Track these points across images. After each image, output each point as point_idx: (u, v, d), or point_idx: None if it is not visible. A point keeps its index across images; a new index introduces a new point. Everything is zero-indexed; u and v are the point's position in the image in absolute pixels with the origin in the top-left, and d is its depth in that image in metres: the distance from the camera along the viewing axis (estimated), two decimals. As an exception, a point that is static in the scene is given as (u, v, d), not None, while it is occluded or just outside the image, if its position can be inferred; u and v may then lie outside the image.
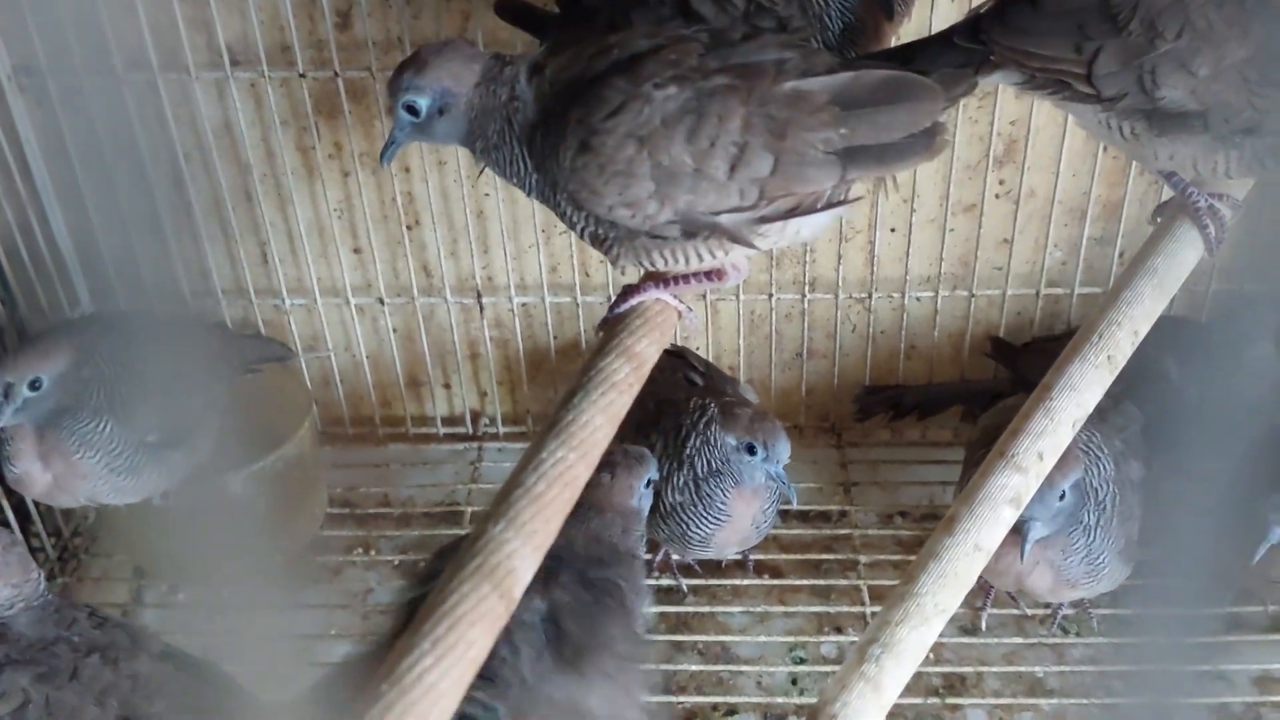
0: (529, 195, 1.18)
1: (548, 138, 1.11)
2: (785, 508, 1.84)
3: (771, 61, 1.09)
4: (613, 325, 1.21)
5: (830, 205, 1.13)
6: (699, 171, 1.08)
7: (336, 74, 1.80)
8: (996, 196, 1.90)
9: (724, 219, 1.11)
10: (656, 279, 1.22)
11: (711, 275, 1.22)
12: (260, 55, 1.78)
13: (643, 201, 1.10)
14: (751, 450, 1.59)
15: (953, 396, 2.00)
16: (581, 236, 1.18)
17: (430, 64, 1.12)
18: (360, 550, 1.94)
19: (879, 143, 1.10)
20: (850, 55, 1.27)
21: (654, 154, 1.07)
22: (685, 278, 1.22)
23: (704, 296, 2.00)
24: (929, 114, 1.10)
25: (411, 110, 1.13)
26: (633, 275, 1.28)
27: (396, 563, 1.90)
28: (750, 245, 1.14)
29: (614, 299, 1.24)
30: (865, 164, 1.10)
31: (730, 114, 1.07)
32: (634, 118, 1.07)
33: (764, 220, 1.11)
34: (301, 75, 1.80)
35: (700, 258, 1.15)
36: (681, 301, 1.23)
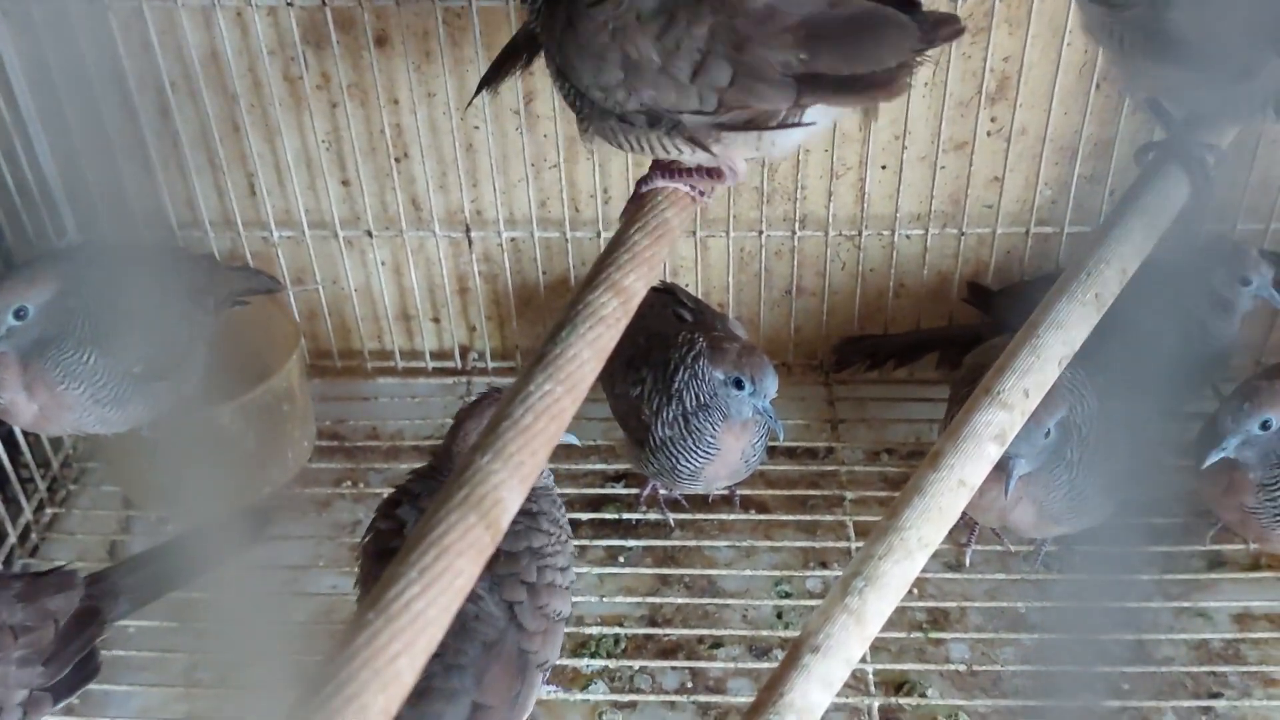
0: (533, 25, 1.23)
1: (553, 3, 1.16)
2: (773, 444, 1.86)
3: None
4: (642, 201, 1.26)
5: (784, 125, 1.15)
6: (663, 70, 1.12)
7: (324, 3, 1.77)
8: (988, 134, 1.89)
9: (686, 119, 1.15)
10: (662, 168, 1.27)
11: (711, 173, 1.26)
12: (246, -18, 1.76)
13: (612, 88, 1.15)
14: (739, 385, 1.60)
15: (931, 343, 2.01)
16: (564, 98, 1.24)
17: None
18: (348, 483, 1.95)
19: (838, 74, 1.10)
20: None
21: (624, 46, 1.12)
22: (686, 170, 1.26)
23: (693, 232, 1.99)
24: (896, 53, 1.10)
25: None
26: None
27: (384, 496, 1.90)
28: (707, 150, 1.17)
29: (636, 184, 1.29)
30: (821, 92, 1.11)
31: (698, 20, 1.10)
32: (613, 8, 1.12)
33: (722, 127, 1.15)
34: (289, 4, 1.78)
35: (665, 150, 1.19)
36: (693, 188, 1.27)
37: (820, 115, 1.16)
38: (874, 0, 1.12)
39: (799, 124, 1.16)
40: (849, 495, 1.89)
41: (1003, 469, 1.49)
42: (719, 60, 1.10)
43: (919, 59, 1.12)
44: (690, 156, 1.21)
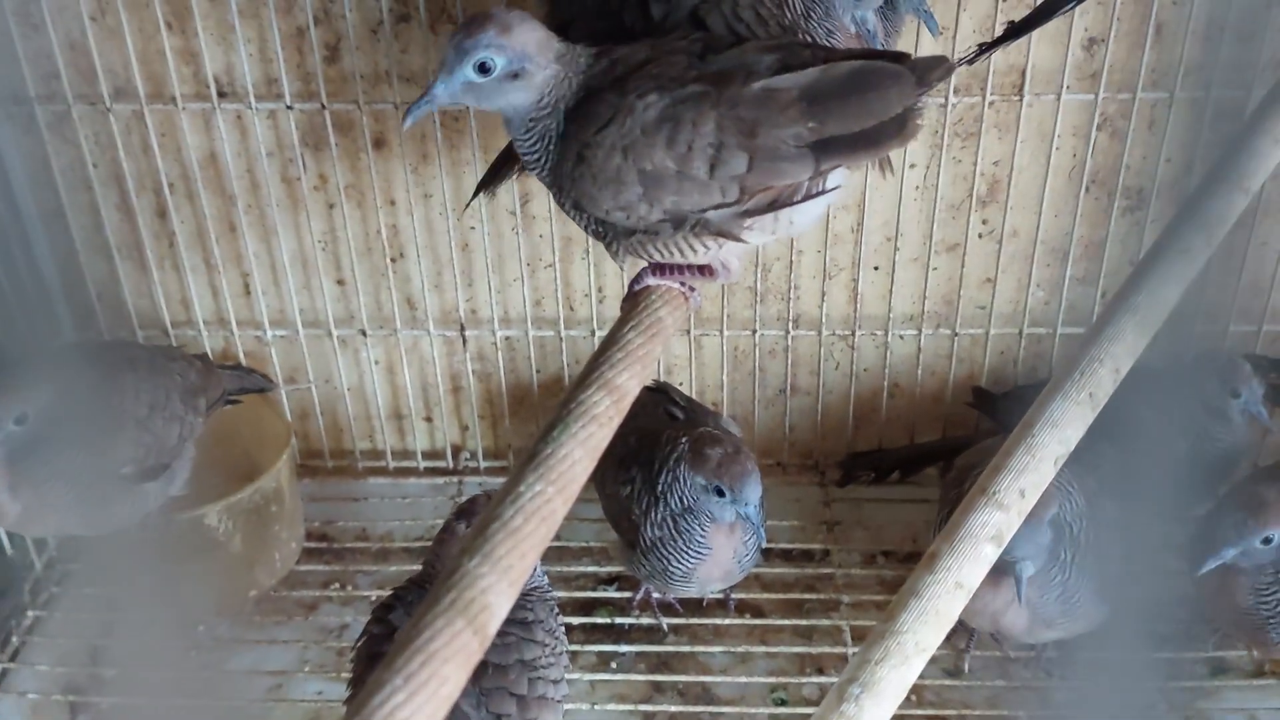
0: (537, 175, 1.23)
1: (560, 145, 1.17)
2: (769, 545, 1.83)
3: (744, 65, 1.14)
4: (636, 300, 1.27)
5: (809, 197, 1.17)
6: (681, 174, 1.14)
7: (323, 106, 1.80)
8: (980, 236, 1.91)
9: (710, 215, 1.17)
10: (654, 266, 1.28)
11: (703, 270, 1.28)
12: (247, 87, 1.78)
13: (634, 204, 1.16)
14: (720, 493, 1.57)
15: (935, 454, 2.00)
16: (584, 230, 1.26)
17: (514, 27, 1.13)
18: (336, 585, 1.92)
19: (849, 132, 1.13)
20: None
21: (638, 161, 1.14)
22: (680, 268, 1.28)
23: (687, 331, 2.00)
24: (898, 100, 1.13)
25: (483, 69, 1.13)
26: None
27: (373, 598, 1.87)
28: (738, 239, 1.19)
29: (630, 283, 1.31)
30: (838, 154, 1.14)
31: (703, 118, 1.12)
32: (619, 129, 1.13)
33: (748, 214, 1.17)
34: (289, 107, 1.80)
35: (694, 250, 1.21)
36: (684, 285, 1.29)
37: (841, 178, 1.19)
38: (861, 56, 1.15)
39: (823, 192, 1.18)
40: (845, 599, 1.86)
41: (1005, 573, 1.47)
42: (733, 150, 1.12)
43: (920, 103, 1.15)
44: (715, 252, 1.22)
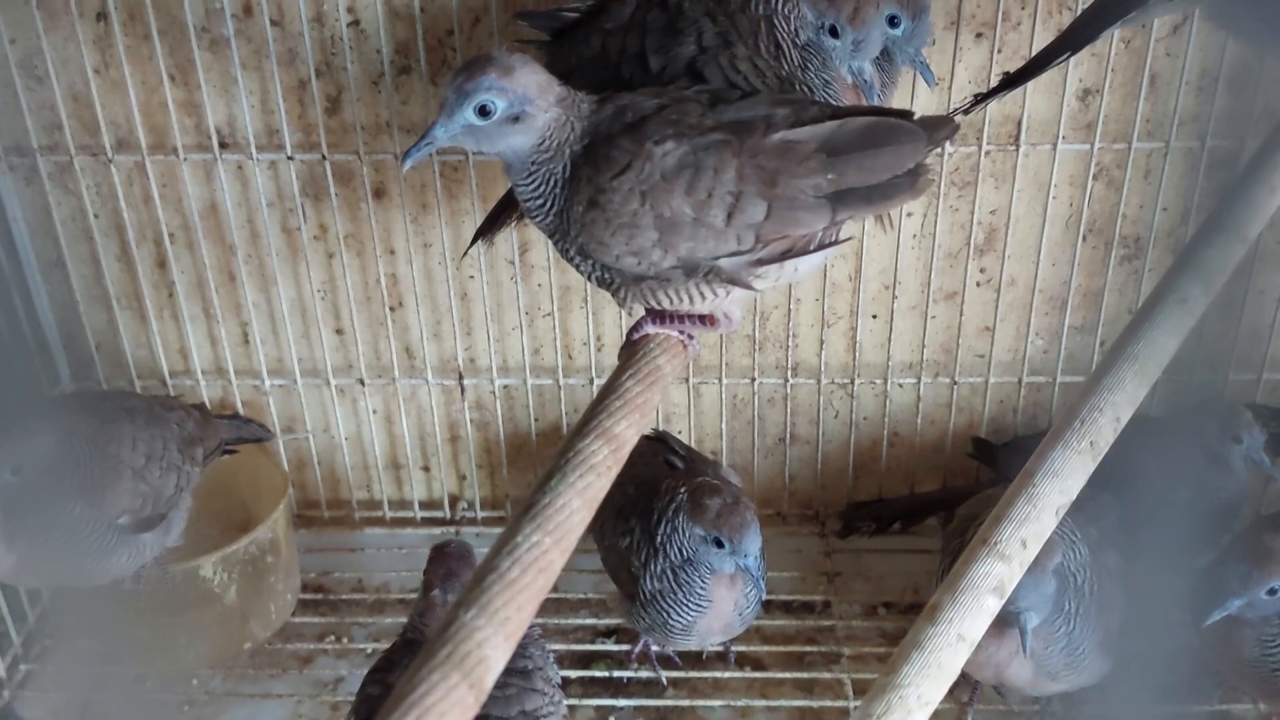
0: (537, 222, 1.22)
1: (568, 189, 1.17)
2: (769, 597, 1.82)
3: (762, 117, 1.16)
4: (635, 348, 1.27)
5: (822, 246, 1.20)
6: (698, 220, 1.14)
7: (324, 157, 1.81)
8: (978, 284, 1.91)
9: (723, 262, 1.17)
10: (656, 315, 1.29)
11: (704, 320, 1.29)
12: (249, 138, 1.79)
13: (647, 250, 1.16)
14: (719, 544, 1.56)
15: (936, 505, 2.00)
16: (588, 280, 1.25)
17: (516, 70, 1.13)
18: (332, 638, 1.90)
19: (865, 185, 1.16)
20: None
21: (656, 206, 1.14)
22: (681, 318, 1.28)
23: (686, 379, 1.99)
24: (912, 155, 1.16)
25: (483, 111, 1.12)
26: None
27: (369, 651, 1.85)
28: (749, 287, 1.20)
29: (628, 332, 1.31)
30: (854, 205, 1.17)
31: (724, 166, 1.13)
32: (637, 174, 1.14)
33: (761, 263, 1.18)
34: (289, 158, 1.81)
35: (703, 296, 1.21)
36: (683, 333, 1.29)
37: (851, 228, 1.22)
38: (869, 112, 1.18)
39: (835, 242, 1.21)
40: (846, 651, 1.84)
41: (1009, 624, 1.45)
42: (752, 199, 1.14)
43: (929, 160, 1.18)
44: (721, 300, 1.23)
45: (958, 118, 1.66)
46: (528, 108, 1.14)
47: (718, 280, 1.19)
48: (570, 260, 1.24)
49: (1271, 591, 1.48)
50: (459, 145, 1.18)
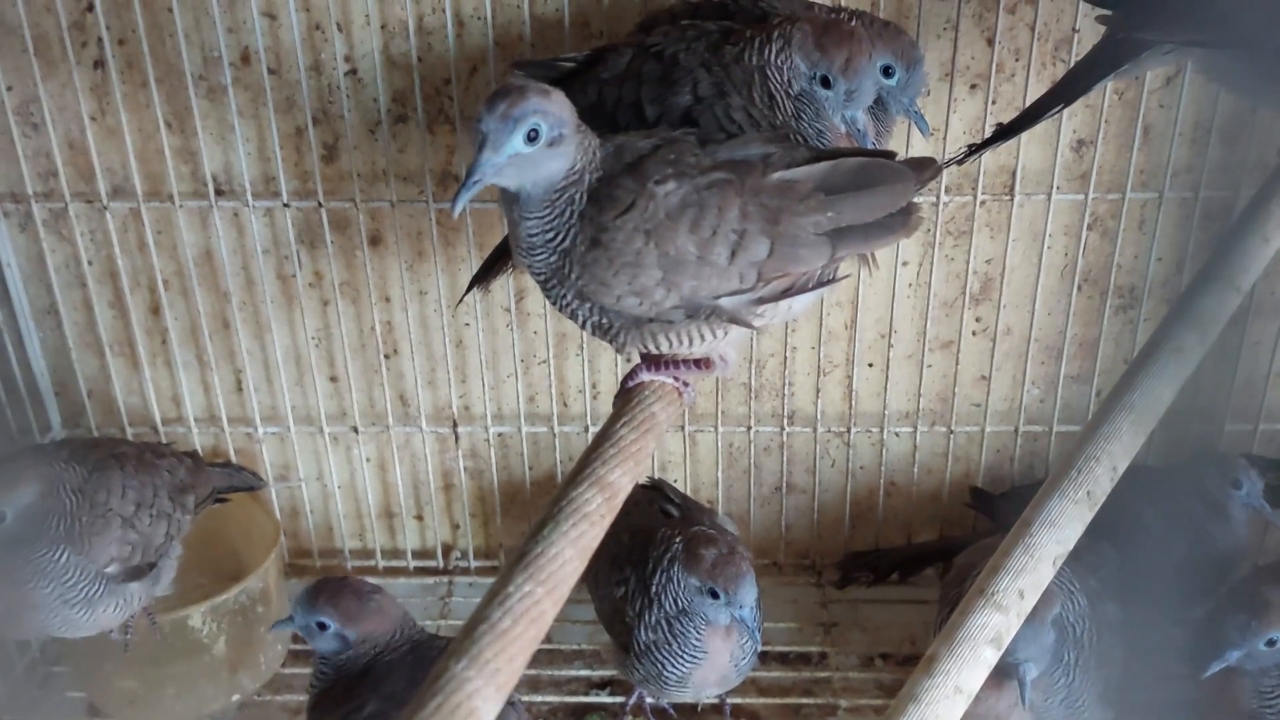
0: (537, 261, 1.18)
1: (572, 228, 1.15)
2: (765, 648, 1.80)
3: (759, 156, 1.18)
4: (629, 396, 1.28)
5: (821, 284, 1.21)
6: (702, 259, 1.15)
7: (320, 204, 1.81)
8: (974, 334, 1.91)
9: (724, 301, 1.18)
10: (651, 361, 1.29)
11: (700, 364, 1.29)
12: (245, 185, 1.80)
13: (650, 289, 1.16)
14: (714, 594, 1.54)
15: (932, 555, 1.98)
16: (582, 328, 1.23)
17: (551, 92, 1.10)
18: (324, 688, 1.88)
19: (863, 222, 1.18)
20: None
21: (660, 244, 1.14)
22: (676, 363, 1.29)
23: (682, 427, 1.98)
24: (904, 195, 1.19)
25: (533, 137, 1.09)
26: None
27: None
28: (749, 325, 1.21)
29: (623, 379, 1.31)
30: (852, 242, 1.19)
31: (728, 205, 1.14)
32: (640, 214, 1.14)
33: (761, 300, 1.19)
34: (285, 205, 1.82)
35: (702, 338, 1.21)
36: (678, 380, 1.30)
37: (846, 267, 1.23)
38: (854, 154, 1.21)
39: (833, 280, 1.23)
40: (843, 703, 1.82)
41: (1008, 675, 1.44)
42: (755, 237, 1.15)
43: (919, 199, 1.21)
44: (719, 342, 1.24)
45: (952, 168, 1.67)
46: (564, 130, 1.11)
47: (718, 320, 1.20)
48: (565, 306, 1.21)
49: (1270, 643, 1.47)
50: (499, 183, 1.13)
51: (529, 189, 1.15)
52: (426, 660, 1.43)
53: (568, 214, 1.15)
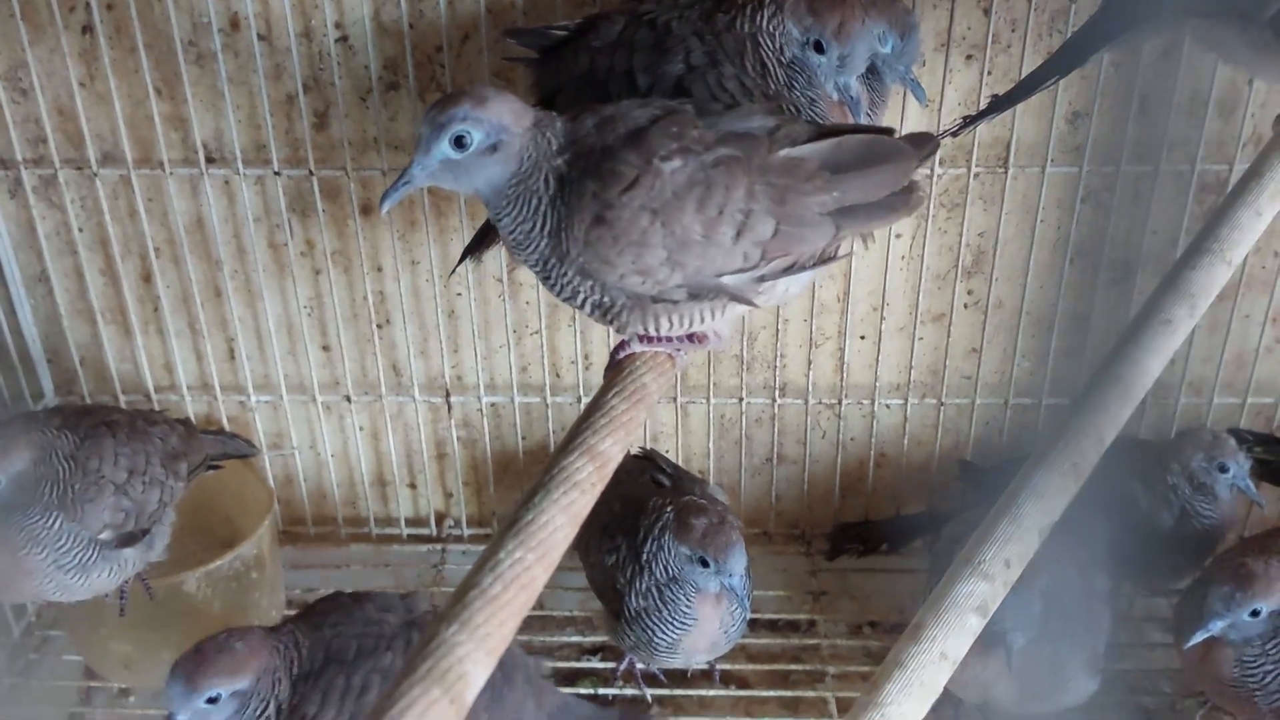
0: (521, 255, 1.18)
1: (565, 206, 1.13)
2: (754, 616, 1.81)
3: (763, 130, 1.16)
4: (620, 367, 1.26)
5: (822, 261, 1.20)
6: (708, 238, 1.13)
7: (311, 173, 1.81)
8: (965, 306, 1.91)
9: (727, 280, 1.17)
10: (641, 334, 1.27)
11: (693, 338, 1.28)
12: (235, 153, 1.79)
13: (655, 268, 1.14)
14: (704, 563, 1.56)
15: (921, 526, 1.99)
16: (581, 308, 1.20)
17: (490, 99, 1.10)
18: (316, 654, 1.89)
19: (866, 201, 1.17)
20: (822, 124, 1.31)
21: (667, 223, 1.12)
22: (668, 337, 1.27)
23: (674, 399, 1.99)
24: (905, 172, 1.18)
25: (459, 143, 1.09)
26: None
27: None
28: (750, 303, 1.20)
29: (613, 349, 1.29)
30: (855, 221, 1.18)
31: (735, 184, 1.13)
32: (647, 191, 1.11)
33: (763, 279, 1.18)
34: (276, 173, 1.81)
35: (702, 318, 1.20)
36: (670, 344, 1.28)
37: (845, 245, 1.23)
38: (853, 130, 1.20)
39: (834, 257, 1.22)
40: (831, 670, 1.83)
41: (995, 644, 1.45)
42: (762, 216, 1.13)
43: (920, 176, 1.20)
44: (718, 319, 1.23)
45: (946, 139, 1.67)
46: (504, 136, 1.11)
47: (719, 298, 1.19)
48: (565, 285, 1.18)
49: (1254, 613, 1.49)
50: (438, 185, 1.15)
51: (485, 193, 1.14)
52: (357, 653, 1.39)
53: (534, 203, 1.13)
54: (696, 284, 1.16)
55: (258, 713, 1.34)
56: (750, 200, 1.13)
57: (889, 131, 1.22)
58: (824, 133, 1.18)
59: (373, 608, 1.44)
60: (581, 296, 1.19)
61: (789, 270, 1.18)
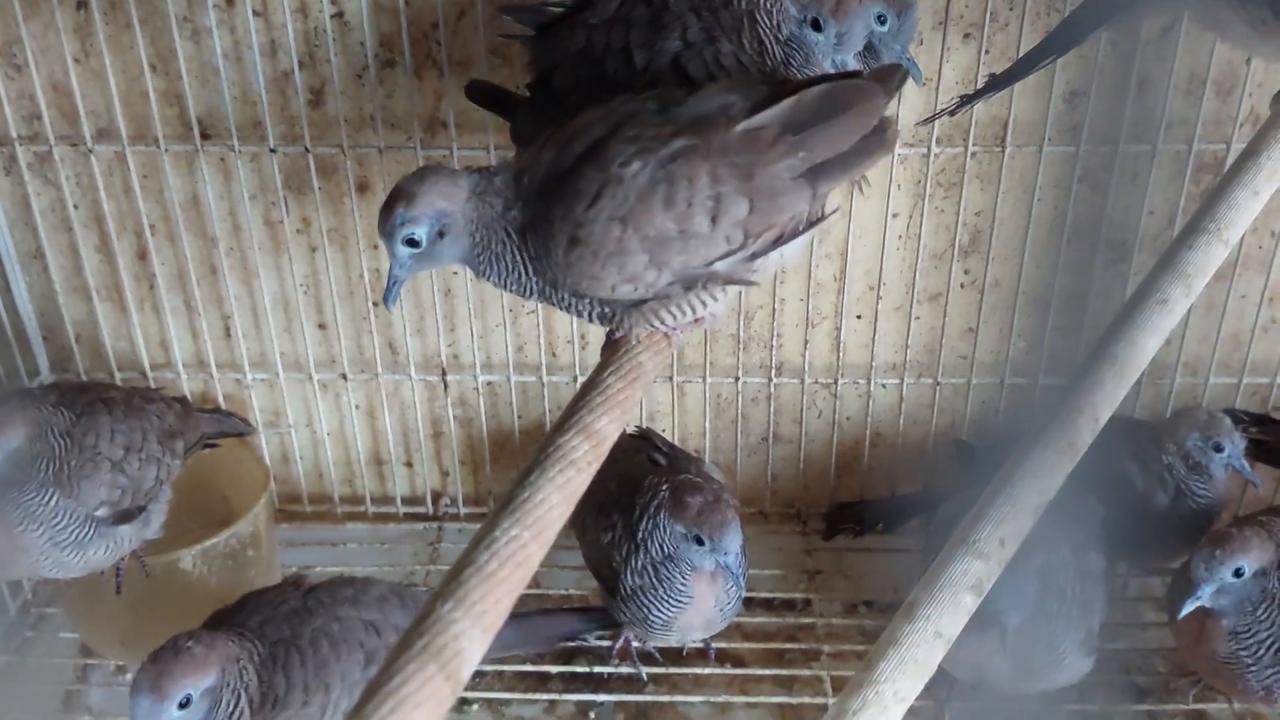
0: (528, 298, 1.21)
1: (538, 239, 1.14)
2: (750, 595, 1.82)
3: (718, 109, 1.14)
4: (616, 346, 1.25)
5: (811, 224, 1.18)
6: (684, 232, 1.12)
7: (307, 150, 1.80)
8: (962, 286, 1.91)
9: (718, 266, 1.15)
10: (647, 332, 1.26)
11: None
12: (231, 129, 1.78)
13: (641, 273, 1.13)
14: (699, 541, 1.56)
15: (917, 506, 2.00)
16: (589, 320, 1.22)
17: (416, 192, 1.13)
18: (313, 632, 1.89)
19: (838, 153, 1.14)
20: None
21: (638, 228, 1.11)
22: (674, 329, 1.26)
23: (670, 378, 1.99)
24: (874, 113, 1.14)
25: (412, 243, 1.14)
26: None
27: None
28: (747, 283, 1.18)
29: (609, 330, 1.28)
30: (832, 175, 1.15)
31: (696, 172, 1.11)
32: (611, 200, 1.10)
33: (755, 256, 1.16)
34: (272, 150, 1.81)
35: (703, 304, 1.19)
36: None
37: (834, 201, 1.19)
38: (817, 81, 1.17)
39: (822, 217, 1.19)
40: (826, 649, 1.84)
41: (990, 622, 1.46)
42: (733, 197, 1.11)
43: (891, 113, 1.17)
44: (721, 301, 1.21)
45: (944, 118, 1.67)
46: (445, 220, 1.13)
47: (716, 285, 1.17)
48: (567, 307, 1.20)
49: (1238, 572, 1.50)
50: (424, 270, 1.21)
51: (458, 262, 1.18)
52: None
53: (508, 259, 1.16)
54: (689, 277, 1.15)
55: (230, 706, 1.35)
56: (716, 184, 1.11)
57: (855, 75, 1.18)
58: (783, 93, 1.15)
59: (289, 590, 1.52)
60: (585, 311, 1.20)
61: (779, 241, 1.16)
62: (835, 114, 1.13)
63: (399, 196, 1.14)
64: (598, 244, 1.11)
